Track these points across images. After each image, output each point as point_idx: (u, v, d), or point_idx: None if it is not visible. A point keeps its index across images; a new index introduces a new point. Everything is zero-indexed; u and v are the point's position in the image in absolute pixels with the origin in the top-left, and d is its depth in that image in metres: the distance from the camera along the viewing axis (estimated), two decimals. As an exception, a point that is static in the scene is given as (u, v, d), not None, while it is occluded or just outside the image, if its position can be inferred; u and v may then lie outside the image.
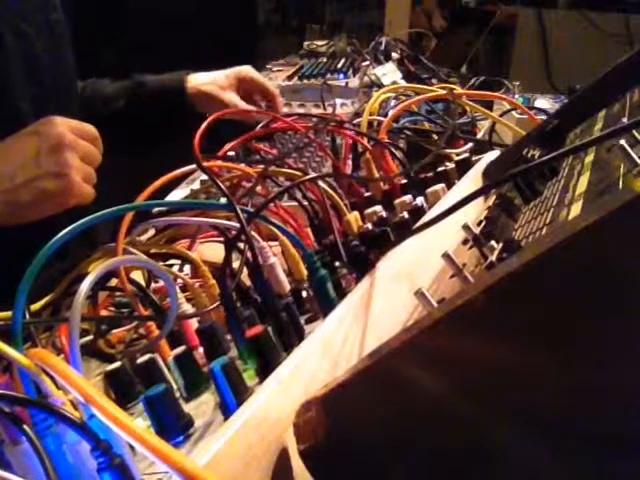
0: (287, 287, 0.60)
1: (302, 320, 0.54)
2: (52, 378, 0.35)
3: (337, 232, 0.61)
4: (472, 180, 0.78)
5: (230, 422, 0.40)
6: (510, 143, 1.03)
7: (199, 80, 1.22)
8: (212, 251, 0.70)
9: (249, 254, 0.55)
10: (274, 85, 1.59)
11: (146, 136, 1.25)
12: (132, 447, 0.32)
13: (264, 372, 0.45)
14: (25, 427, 0.35)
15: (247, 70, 1.27)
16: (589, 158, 0.62)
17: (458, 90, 0.94)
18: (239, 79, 1.23)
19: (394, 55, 1.80)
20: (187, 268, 0.73)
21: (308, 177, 0.65)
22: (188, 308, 0.60)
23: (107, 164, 0.91)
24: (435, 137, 0.96)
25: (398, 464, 0.39)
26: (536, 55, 2.96)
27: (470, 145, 0.94)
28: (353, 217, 0.67)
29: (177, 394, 0.49)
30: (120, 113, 1.21)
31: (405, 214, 0.66)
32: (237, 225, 0.55)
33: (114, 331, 0.65)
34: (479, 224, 0.61)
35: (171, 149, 0.97)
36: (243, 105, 1.19)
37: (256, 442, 0.40)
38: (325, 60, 1.91)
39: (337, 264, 0.58)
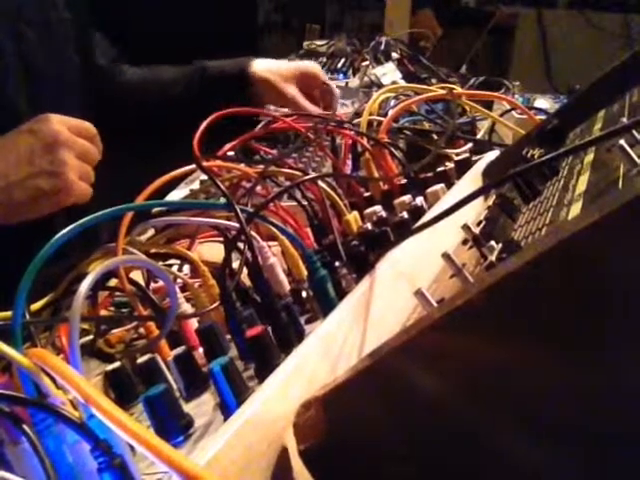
0: (287, 287, 0.60)
1: (302, 320, 0.54)
2: (52, 378, 0.35)
3: (337, 232, 0.61)
4: (472, 180, 0.78)
5: (230, 422, 0.40)
6: (510, 143, 1.03)
7: (261, 66, 1.19)
8: (212, 251, 0.70)
9: (249, 254, 0.55)
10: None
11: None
12: (132, 447, 0.32)
13: (264, 372, 0.45)
14: (25, 427, 0.35)
15: (313, 66, 1.26)
16: (589, 158, 0.62)
17: (458, 90, 0.95)
18: (303, 73, 1.20)
19: (394, 55, 1.80)
20: (187, 268, 0.73)
21: (308, 177, 0.65)
22: (188, 308, 0.60)
23: (107, 164, 0.91)
24: (435, 137, 0.96)
25: (397, 464, 0.39)
26: (536, 55, 2.96)
27: (470, 145, 0.94)
28: (353, 217, 0.67)
29: (177, 394, 0.49)
30: (179, 99, 1.19)
31: (405, 214, 0.66)
32: (237, 225, 0.55)
33: (114, 331, 0.65)
34: (479, 224, 0.61)
35: (171, 149, 0.97)
36: (302, 101, 1.16)
37: (256, 442, 0.40)
38: (325, 60, 1.91)
39: (337, 264, 0.58)
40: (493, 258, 0.51)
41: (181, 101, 1.19)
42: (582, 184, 0.56)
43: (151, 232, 0.71)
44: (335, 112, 1.18)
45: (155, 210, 0.67)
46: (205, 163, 0.63)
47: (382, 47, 1.83)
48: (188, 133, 1.26)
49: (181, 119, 1.16)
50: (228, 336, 0.55)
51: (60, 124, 0.85)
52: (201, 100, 1.18)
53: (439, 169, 0.80)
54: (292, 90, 1.18)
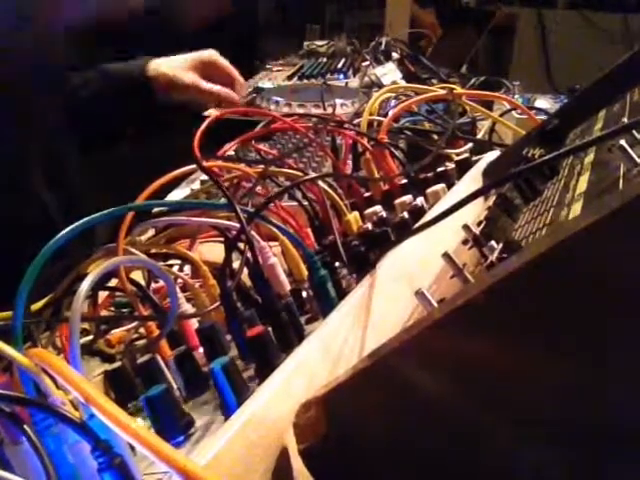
0: (287, 287, 0.60)
1: (302, 320, 0.54)
2: (52, 378, 0.35)
3: (337, 232, 0.61)
4: (472, 180, 0.78)
5: (230, 422, 0.40)
6: (510, 143, 1.03)
7: (158, 62, 1.24)
8: (212, 251, 0.70)
9: (249, 254, 0.55)
10: (274, 85, 1.59)
11: (115, 126, 1.26)
12: (132, 447, 0.32)
13: (264, 372, 0.45)
14: (25, 427, 0.35)
15: (210, 53, 1.28)
16: (589, 158, 0.62)
17: (458, 90, 0.94)
18: (202, 62, 1.25)
19: (394, 55, 1.80)
20: (187, 268, 0.73)
21: (308, 177, 0.65)
22: (188, 308, 0.60)
23: (107, 164, 0.91)
24: (435, 137, 0.96)
25: (398, 464, 0.39)
26: (536, 55, 2.96)
27: (470, 145, 0.93)
28: (353, 217, 0.67)
29: (177, 394, 0.49)
30: (88, 102, 1.22)
31: (405, 214, 0.66)
32: (237, 225, 0.55)
33: (114, 331, 0.65)
34: (479, 224, 0.61)
35: (171, 149, 0.97)
36: (204, 85, 1.21)
37: (256, 442, 0.40)
38: (325, 60, 1.91)
39: (337, 264, 0.58)
40: (493, 258, 0.51)
41: (90, 103, 1.22)
42: (582, 184, 0.56)
43: (151, 232, 0.71)
44: (242, 94, 1.26)
45: (155, 210, 0.67)
46: (205, 163, 0.63)
47: (382, 47, 1.84)
48: (100, 134, 1.28)
49: (92, 121, 1.19)
50: (228, 336, 0.55)
51: None
52: (108, 101, 1.22)
53: (439, 169, 0.80)
54: (194, 78, 1.22)
